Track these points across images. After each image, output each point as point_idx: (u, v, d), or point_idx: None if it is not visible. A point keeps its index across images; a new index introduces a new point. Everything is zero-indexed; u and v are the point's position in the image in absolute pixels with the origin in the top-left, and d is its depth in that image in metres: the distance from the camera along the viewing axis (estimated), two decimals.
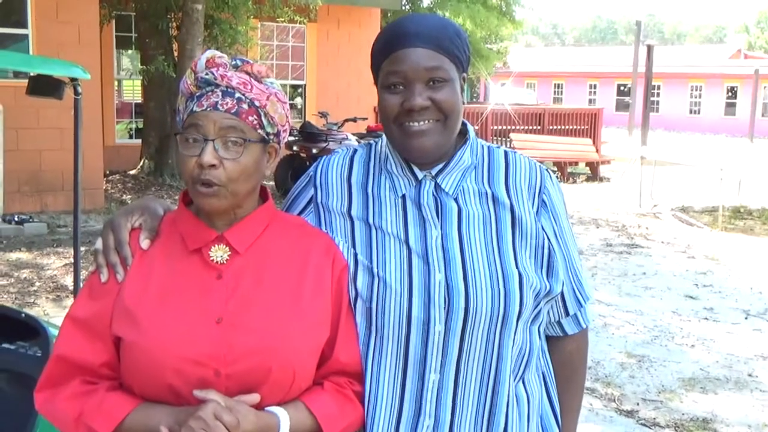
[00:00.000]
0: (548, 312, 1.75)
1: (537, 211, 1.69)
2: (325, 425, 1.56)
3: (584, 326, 1.82)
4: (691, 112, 41.61)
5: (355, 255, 1.65)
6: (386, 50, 1.63)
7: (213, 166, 1.50)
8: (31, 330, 3.11)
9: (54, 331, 3.00)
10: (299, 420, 1.53)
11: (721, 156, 17.44)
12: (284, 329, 1.53)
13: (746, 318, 6.87)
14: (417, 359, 1.62)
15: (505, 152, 1.76)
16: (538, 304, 1.67)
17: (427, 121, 1.61)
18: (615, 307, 7.04)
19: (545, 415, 1.79)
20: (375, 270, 1.63)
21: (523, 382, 1.72)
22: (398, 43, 1.61)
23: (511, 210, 1.67)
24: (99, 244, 1.61)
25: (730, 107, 40.40)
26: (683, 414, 4.75)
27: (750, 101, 33.03)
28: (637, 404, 4.88)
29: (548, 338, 1.82)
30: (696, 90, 41.55)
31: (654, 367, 5.54)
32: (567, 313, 1.77)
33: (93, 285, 1.58)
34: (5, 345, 3.14)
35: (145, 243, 1.59)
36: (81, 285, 3.78)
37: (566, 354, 1.82)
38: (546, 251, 1.68)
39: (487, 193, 1.69)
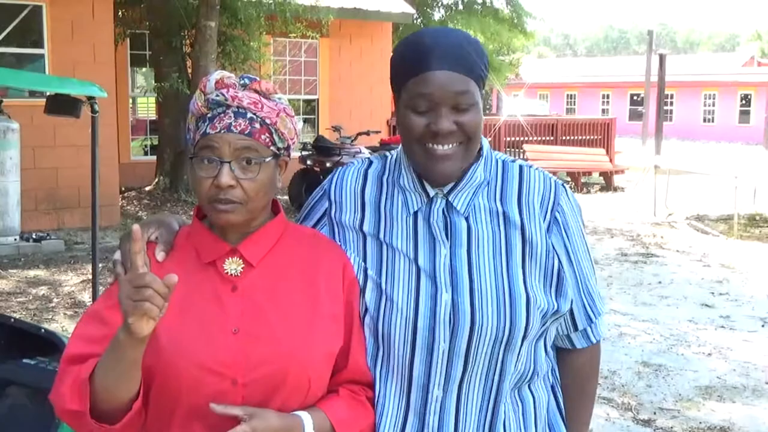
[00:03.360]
0: (558, 326, 1.76)
1: (548, 228, 1.68)
2: (340, 430, 1.60)
3: (594, 341, 1.81)
4: (704, 120, 41.44)
5: (365, 270, 1.68)
6: (413, 70, 1.60)
7: (231, 186, 1.54)
8: (50, 345, 3.16)
9: None
10: (319, 423, 1.57)
11: (736, 164, 17.37)
12: (299, 338, 1.57)
13: (763, 326, 6.84)
14: (421, 376, 1.64)
15: (520, 167, 1.74)
16: (544, 323, 1.68)
17: (451, 145, 1.60)
18: (631, 316, 7.03)
19: (555, 422, 1.79)
20: (383, 286, 1.65)
21: (530, 387, 1.73)
22: (426, 64, 1.58)
23: (522, 229, 1.67)
24: (117, 255, 1.65)
25: (744, 115, 40.20)
26: (700, 423, 4.73)
27: (764, 109, 32.91)
28: (654, 413, 4.86)
29: (559, 350, 1.82)
30: (709, 98, 41.39)
31: (671, 375, 5.53)
32: (576, 329, 1.77)
33: (111, 292, 1.61)
34: (25, 360, 3.19)
35: (160, 255, 1.62)
36: (98, 296, 3.83)
37: (576, 367, 1.82)
38: (556, 271, 1.68)
39: (498, 212, 1.68)
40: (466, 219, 1.67)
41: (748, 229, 11.82)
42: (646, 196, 13.72)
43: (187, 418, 1.54)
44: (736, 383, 5.42)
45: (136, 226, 1.47)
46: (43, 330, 3.27)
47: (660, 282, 8.35)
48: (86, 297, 7.24)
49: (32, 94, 10.01)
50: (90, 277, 7.96)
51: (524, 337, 1.64)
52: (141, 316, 1.38)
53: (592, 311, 1.77)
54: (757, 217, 12.66)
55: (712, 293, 7.92)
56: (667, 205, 13.05)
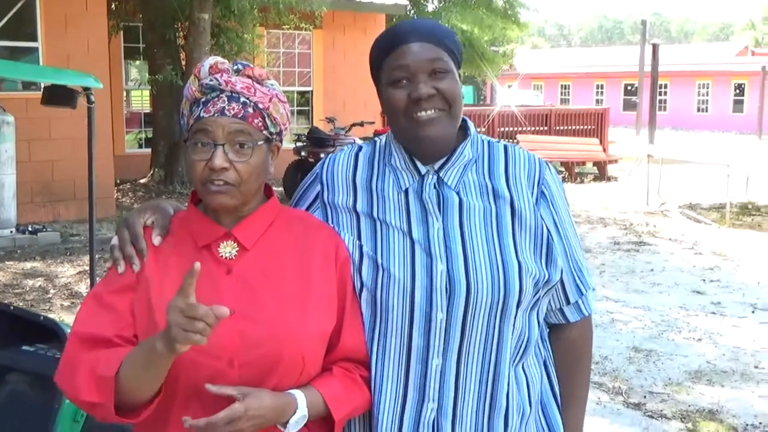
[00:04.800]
0: (550, 300, 1.82)
1: (536, 202, 1.75)
2: (334, 407, 1.64)
3: (586, 314, 1.87)
4: (698, 110, 41.52)
5: (361, 247, 1.72)
6: (388, 48, 1.71)
7: (224, 168, 1.57)
8: (49, 332, 3.20)
9: None
10: (312, 401, 1.61)
11: (728, 153, 17.45)
12: (292, 319, 1.61)
13: (753, 312, 6.91)
14: (420, 345, 1.69)
15: (505, 146, 1.83)
16: (537, 292, 1.73)
17: (434, 110, 1.68)
18: (623, 303, 7.10)
19: (547, 401, 1.85)
20: (379, 261, 1.70)
21: (523, 367, 1.78)
22: (399, 40, 1.70)
23: (511, 202, 1.74)
24: (115, 240, 1.69)
25: (738, 104, 40.29)
26: (689, 406, 4.81)
27: (758, 98, 32.99)
28: (644, 397, 4.94)
29: (552, 326, 1.88)
30: (703, 88, 41.46)
31: (661, 360, 5.60)
32: (568, 301, 1.83)
33: (110, 276, 1.66)
34: (25, 347, 3.23)
35: (156, 240, 1.66)
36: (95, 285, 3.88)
37: (569, 341, 1.88)
38: (545, 241, 1.74)
39: (487, 186, 1.75)
40: (457, 193, 1.74)
41: (740, 218, 11.90)
42: (639, 186, 13.79)
43: (186, 398, 1.58)
44: (725, 367, 5.49)
45: (197, 264, 1.41)
46: (42, 318, 3.31)
47: (652, 270, 8.43)
48: (83, 288, 7.29)
49: (27, 86, 10.04)
50: (86, 268, 8.01)
51: (518, 305, 1.70)
52: (189, 343, 1.41)
53: (582, 283, 1.83)
54: (749, 206, 12.75)
55: (704, 280, 8.00)
56: (660, 194, 13.13)
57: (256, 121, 1.61)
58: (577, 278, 1.82)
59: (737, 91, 40.51)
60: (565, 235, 1.78)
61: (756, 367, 5.52)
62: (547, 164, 1.83)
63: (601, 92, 44.19)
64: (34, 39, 10.34)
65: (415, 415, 1.71)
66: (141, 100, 16.94)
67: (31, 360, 3.19)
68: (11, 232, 9.25)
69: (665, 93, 40.87)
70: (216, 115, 1.59)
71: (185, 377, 1.56)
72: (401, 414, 1.71)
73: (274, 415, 1.56)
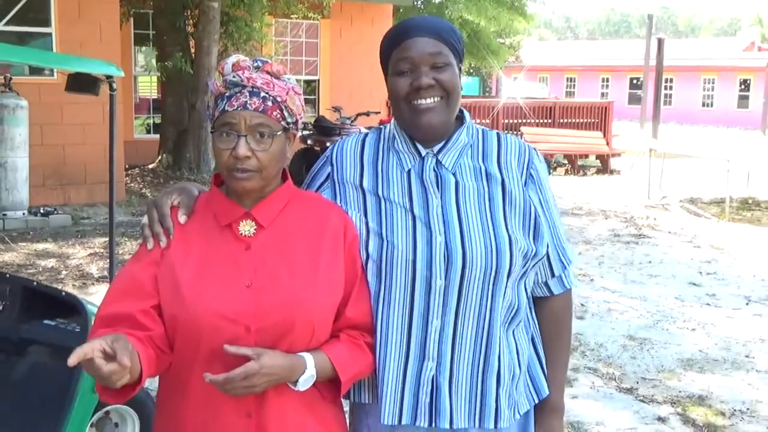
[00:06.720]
0: (537, 273, 2.03)
1: (525, 183, 1.97)
2: (340, 369, 1.83)
3: (568, 287, 2.09)
4: (703, 105, 41.56)
5: (367, 223, 1.92)
6: (395, 42, 1.92)
7: (247, 157, 1.77)
8: (70, 307, 3.37)
9: (92, 308, 3.27)
10: (320, 363, 1.80)
11: (730, 148, 17.55)
12: (304, 290, 1.79)
13: (747, 304, 7.07)
14: (421, 309, 1.89)
15: (497, 134, 2.05)
16: (525, 264, 1.94)
17: (433, 99, 1.90)
18: (619, 293, 7.27)
19: (535, 372, 2.05)
20: (384, 234, 1.90)
21: (513, 333, 1.99)
22: (405, 34, 1.91)
23: (502, 183, 1.95)
24: (145, 219, 1.89)
25: (743, 100, 40.33)
26: (680, 392, 4.98)
27: (763, 94, 33.04)
28: (637, 383, 5.11)
29: (538, 300, 2.08)
30: (709, 83, 41.48)
31: (655, 348, 5.77)
32: (553, 274, 2.04)
33: (140, 253, 1.85)
34: (47, 321, 3.41)
35: (182, 219, 1.85)
36: (114, 266, 4.05)
37: (553, 312, 2.09)
38: (532, 218, 1.95)
39: (481, 169, 1.96)
40: (454, 174, 1.95)
41: (740, 212, 12.04)
42: (641, 179, 13.92)
43: (208, 359, 1.76)
44: (716, 356, 5.66)
45: None
46: (64, 293, 3.48)
47: (650, 261, 8.58)
48: (94, 269, 7.48)
49: (39, 72, 10.20)
50: (97, 250, 8.20)
51: (509, 274, 1.90)
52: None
53: (564, 258, 2.05)
54: (750, 201, 12.89)
55: (700, 272, 8.16)
56: (661, 188, 13.26)
57: (274, 113, 1.80)
58: (560, 254, 2.03)
59: (742, 86, 40.54)
60: (549, 214, 2.00)
61: (747, 356, 5.69)
62: (535, 150, 2.05)
63: (607, 85, 44.23)
64: (47, 25, 10.49)
65: (417, 372, 1.91)
66: (149, 86, 17.07)
67: (53, 333, 3.36)
68: (24, 214, 9.44)
69: (670, 87, 40.93)
70: (239, 109, 1.77)
71: (207, 340, 1.74)
72: (404, 371, 1.91)
73: (286, 374, 1.75)
